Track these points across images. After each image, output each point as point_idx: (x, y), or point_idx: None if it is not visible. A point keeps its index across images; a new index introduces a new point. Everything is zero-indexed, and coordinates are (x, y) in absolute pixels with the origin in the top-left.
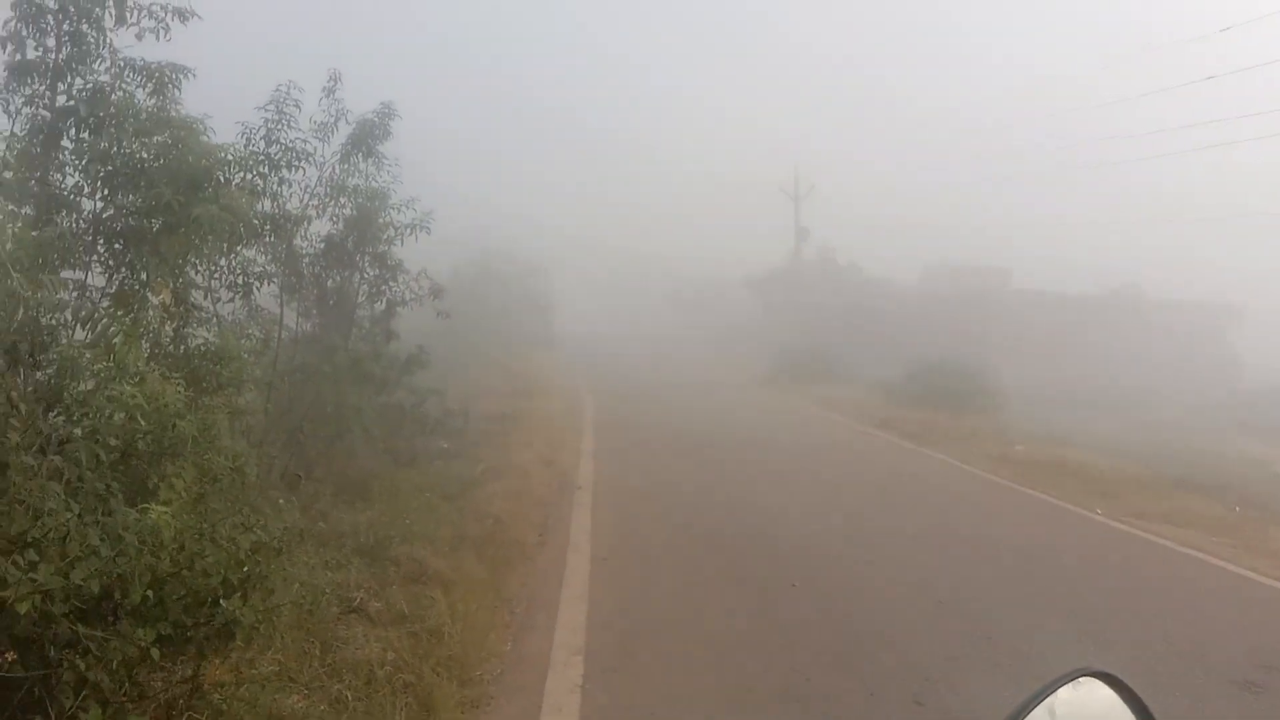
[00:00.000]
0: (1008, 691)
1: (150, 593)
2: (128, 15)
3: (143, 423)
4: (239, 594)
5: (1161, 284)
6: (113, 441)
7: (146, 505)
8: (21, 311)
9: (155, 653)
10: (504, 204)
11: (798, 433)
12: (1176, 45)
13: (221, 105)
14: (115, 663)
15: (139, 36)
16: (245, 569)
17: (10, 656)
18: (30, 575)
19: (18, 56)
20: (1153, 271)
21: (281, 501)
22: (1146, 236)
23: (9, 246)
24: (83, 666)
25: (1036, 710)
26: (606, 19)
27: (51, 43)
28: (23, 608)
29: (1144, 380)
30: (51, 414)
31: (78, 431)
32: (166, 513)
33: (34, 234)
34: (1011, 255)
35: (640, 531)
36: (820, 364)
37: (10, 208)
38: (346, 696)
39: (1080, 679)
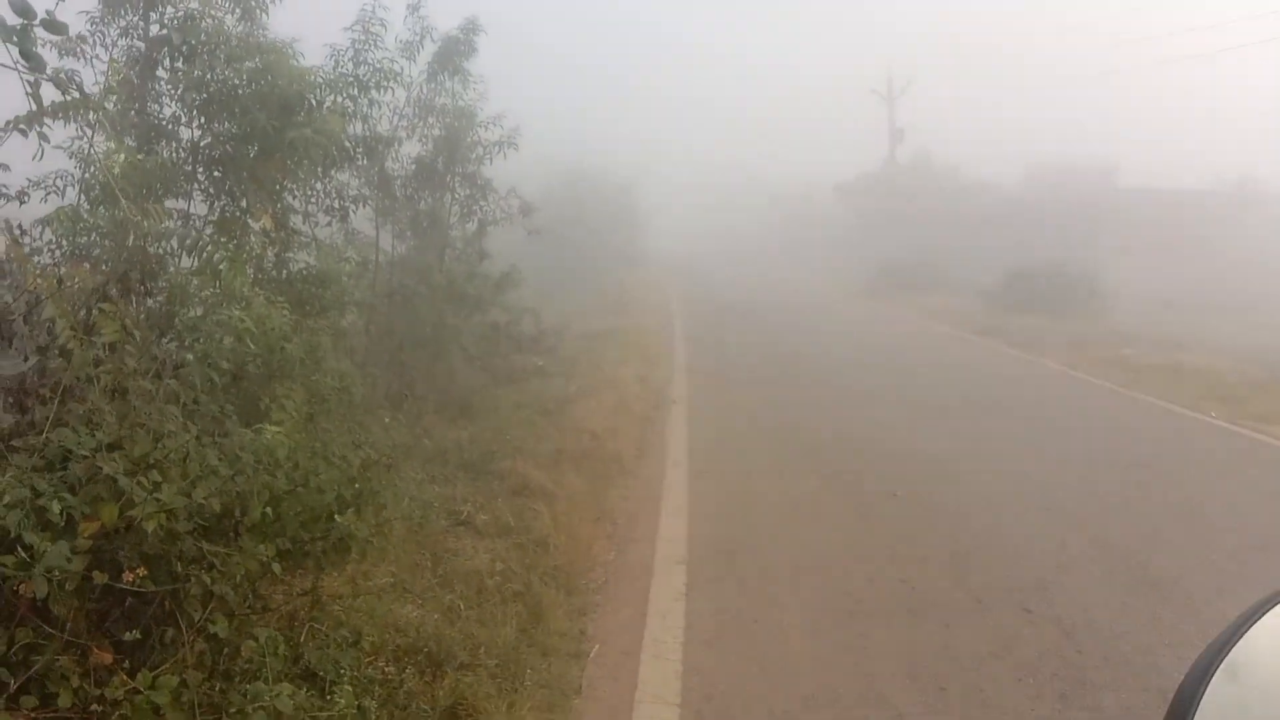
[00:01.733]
0: (1121, 599)
1: (268, 510)
2: None
3: (251, 346)
4: (352, 509)
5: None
6: (224, 364)
7: (260, 426)
8: (132, 238)
9: (276, 567)
10: (594, 115)
11: (898, 343)
12: None
13: (307, 27)
14: (238, 577)
15: None
16: (357, 485)
17: (141, 572)
18: (155, 495)
19: None
20: (1272, 164)
21: (387, 420)
22: (1264, 127)
23: (116, 173)
24: (208, 581)
25: (1250, 633)
26: None
27: None
28: (150, 525)
29: (1264, 280)
30: (164, 340)
31: (189, 356)
32: (280, 432)
33: (140, 155)
34: (1117, 150)
35: (738, 445)
36: (920, 273)
37: (117, 138)
38: (459, 606)
39: None
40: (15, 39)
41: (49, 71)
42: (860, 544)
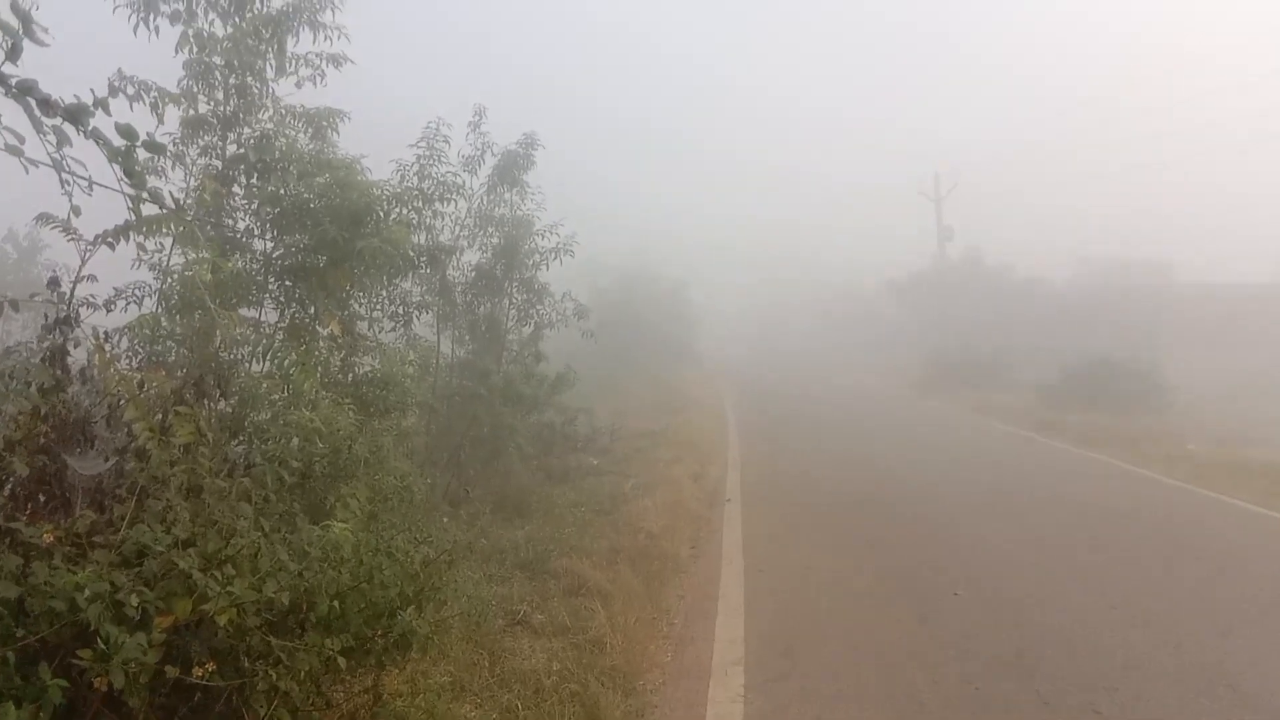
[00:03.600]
0: (1193, 702)
1: (334, 604)
2: (287, 65)
3: (320, 445)
4: (414, 605)
5: None
6: (293, 464)
7: (327, 523)
8: (218, 339)
9: (341, 662)
10: (648, 227)
11: (954, 440)
12: None
13: (373, 144)
14: (303, 673)
15: (298, 85)
16: (418, 582)
17: (210, 666)
18: (227, 589)
19: (190, 111)
20: None
21: (446, 519)
22: None
23: (208, 279)
24: (274, 676)
25: None
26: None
27: (220, 96)
28: (222, 619)
29: None
30: (235, 442)
31: (259, 457)
32: (346, 528)
33: (229, 264)
34: (1171, 241)
35: (794, 542)
36: (973, 369)
37: (192, 254)
38: (516, 706)
39: None
40: (120, 159)
41: (149, 189)
42: (922, 643)
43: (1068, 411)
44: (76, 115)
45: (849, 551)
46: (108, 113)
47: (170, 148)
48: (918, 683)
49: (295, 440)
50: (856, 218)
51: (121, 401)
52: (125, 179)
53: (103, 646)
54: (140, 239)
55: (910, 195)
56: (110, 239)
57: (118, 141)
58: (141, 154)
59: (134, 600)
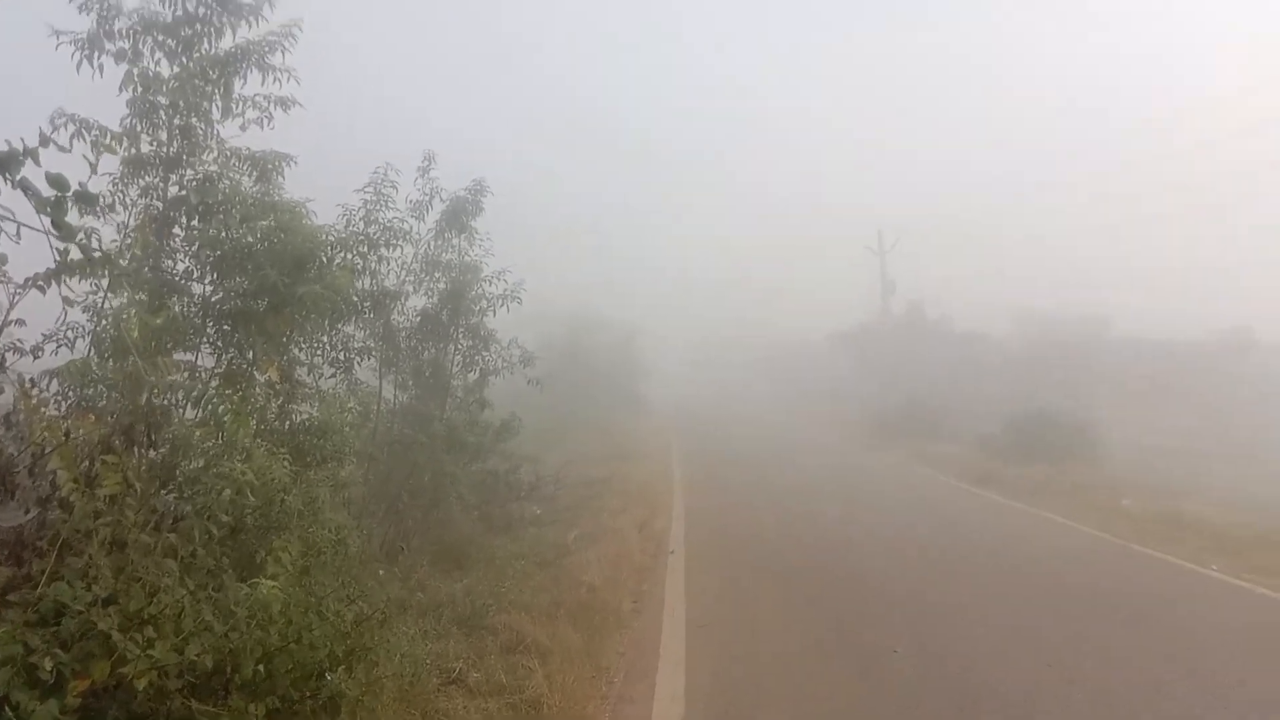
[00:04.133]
0: None
1: (260, 667)
2: (234, 107)
3: (251, 498)
4: (344, 666)
5: (1272, 327)
6: (223, 517)
7: (256, 580)
8: (146, 395)
9: None
10: (595, 275)
11: (897, 492)
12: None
13: (320, 187)
14: None
15: (243, 127)
16: (350, 642)
17: None
18: (148, 652)
19: (133, 151)
20: (1266, 315)
21: (382, 572)
22: (1257, 280)
23: (135, 335)
24: None
25: None
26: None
27: (164, 136)
28: (141, 683)
29: (1261, 429)
30: (165, 491)
31: (189, 509)
32: (275, 587)
33: (158, 320)
34: (1109, 300)
35: (737, 596)
36: (916, 420)
37: (133, 295)
38: None
39: None
40: (49, 210)
41: (78, 239)
42: (864, 700)
43: (1007, 463)
44: (5, 164)
45: (791, 606)
46: (37, 163)
47: (109, 187)
48: None
49: (226, 492)
50: (808, 271)
51: (46, 449)
52: (54, 232)
53: (11, 715)
54: (68, 291)
55: (858, 250)
56: (40, 283)
57: (48, 191)
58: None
59: (48, 664)
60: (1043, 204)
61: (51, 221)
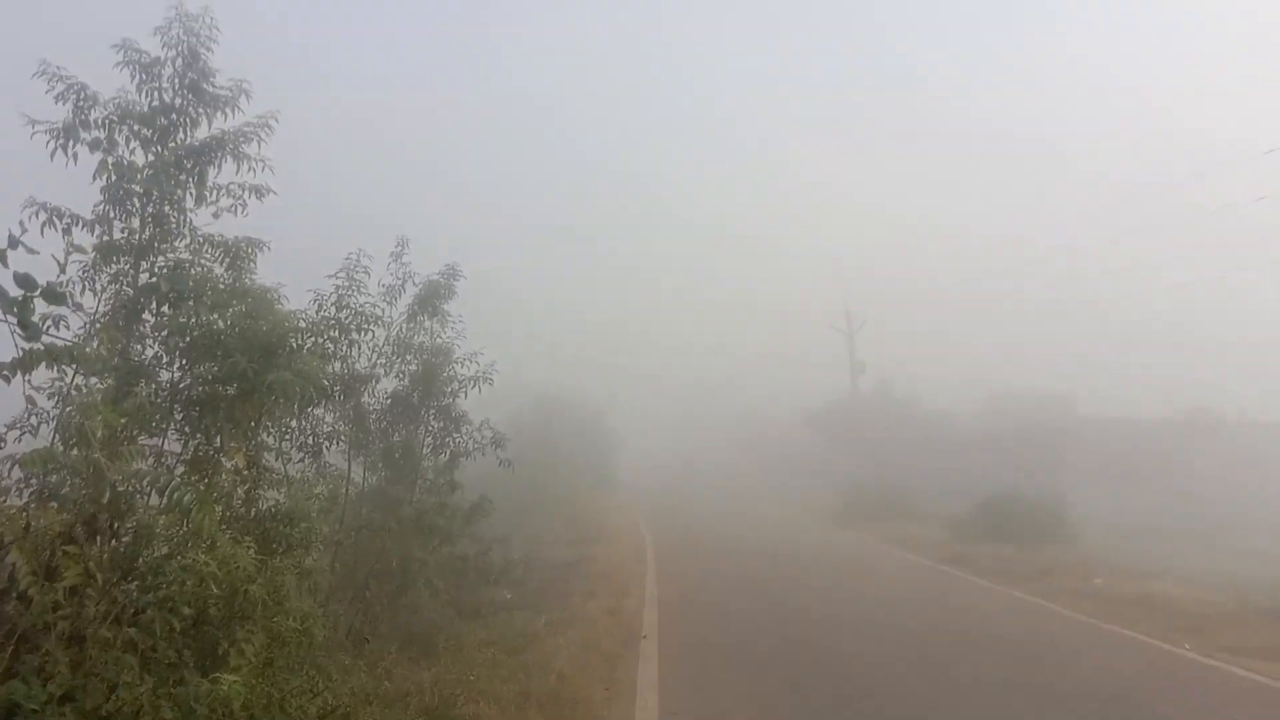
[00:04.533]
0: None
1: None
2: (208, 195)
3: (214, 589)
4: None
5: (1237, 406)
6: (185, 610)
7: (217, 676)
8: (108, 492)
9: None
10: (565, 348)
11: (868, 575)
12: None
13: (292, 269)
14: None
15: (216, 215)
16: None
17: None
18: None
19: (105, 238)
20: (1227, 394)
21: (347, 661)
22: (1218, 359)
23: (99, 433)
24: None
25: None
26: (651, 163)
27: (136, 224)
28: None
29: (1228, 507)
30: (127, 582)
31: (151, 599)
32: (237, 682)
33: (123, 420)
34: (1075, 381)
35: (710, 683)
36: (887, 499)
37: (95, 383)
38: None
39: None
40: (15, 310)
41: (43, 326)
42: None
43: (978, 543)
44: None
45: (762, 691)
46: (4, 264)
47: (79, 274)
48: None
49: (189, 583)
50: (777, 349)
51: (5, 541)
52: (19, 332)
53: None
54: (30, 387)
55: (828, 329)
56: (5, 373)
57: (14, 291)
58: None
59: None
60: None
61: (19, 322)
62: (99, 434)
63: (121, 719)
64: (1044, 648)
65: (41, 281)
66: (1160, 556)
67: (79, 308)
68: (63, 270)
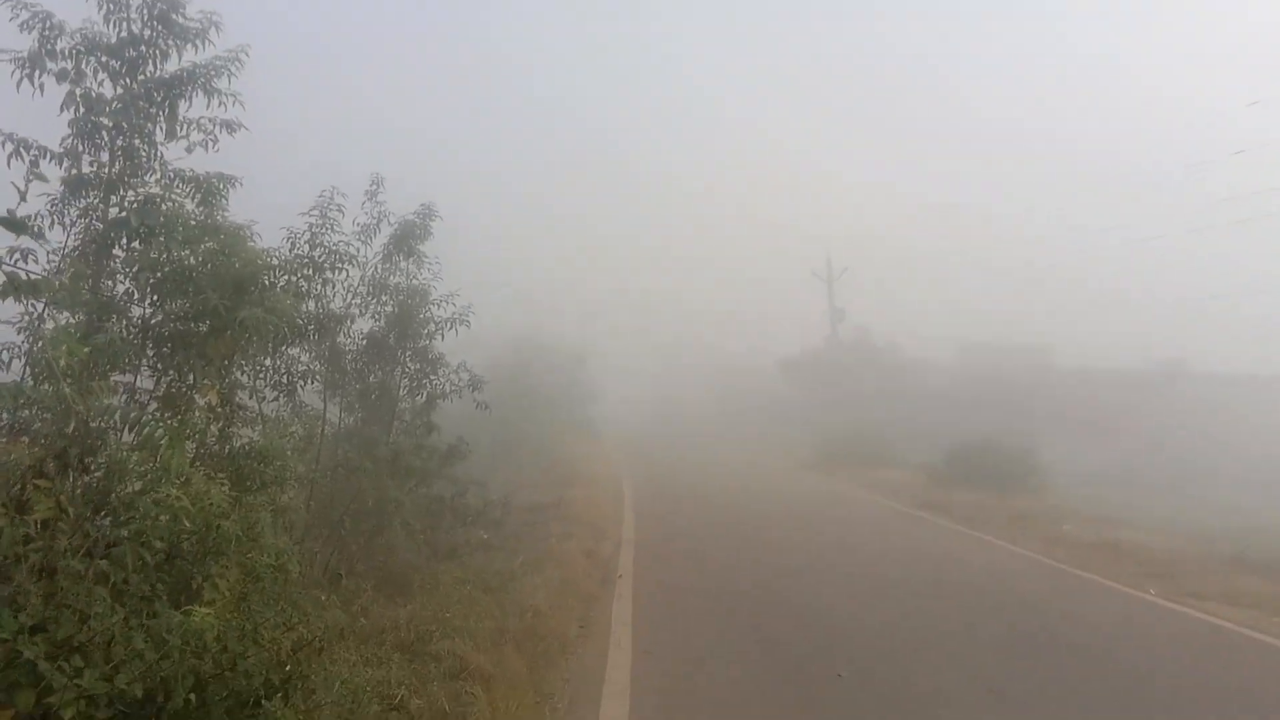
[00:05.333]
0: None
1: (193, 696)
2: (178, 129)
3: (187, 524)
4: (280, 694)
5: (1208, 357)
6: (158, 544)
7: (190, 608)
8: (73, 424)
9: None
10: (544, 298)
11: (843, 519)
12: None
13: (267, 210)
14: None
15: (189, 149)
16: (287, 669)
17: None
18: (75, 680)
19: (74, 171)
20: (1198, 345)
21: (323, 598)
22: (1188, 310)
23: (62, 362)
24: None
25: None
26: (630, 116)
27: (105, 157)
28: (68, 713)
29: (1197, 457)
30: (99, 517)
31: (124, 534)
32: (210, 614)
33: (86, 349)
34: (1052, 333)
35: (683, 623)
36: (862, 446)
37: (64, 317)
38: None
39: None
40: None
41: (11, 260)
42: None
43: (951, 490)
44: None
45: (736, 633)
46: None
47: (48, 208)
48: None
49: (163, 518)
50: (758, 298)
51: None
52: None
53: None
54: None
55: (807, 277)
56: None
57: None
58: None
59: None
60: (991, 234)
61: None
62: (62, 363)
63: (94, 649)
64: (1013, 593)
65: (1, 210)
66: (1130, 505)
67: (40, 235)
68: (23, 198)
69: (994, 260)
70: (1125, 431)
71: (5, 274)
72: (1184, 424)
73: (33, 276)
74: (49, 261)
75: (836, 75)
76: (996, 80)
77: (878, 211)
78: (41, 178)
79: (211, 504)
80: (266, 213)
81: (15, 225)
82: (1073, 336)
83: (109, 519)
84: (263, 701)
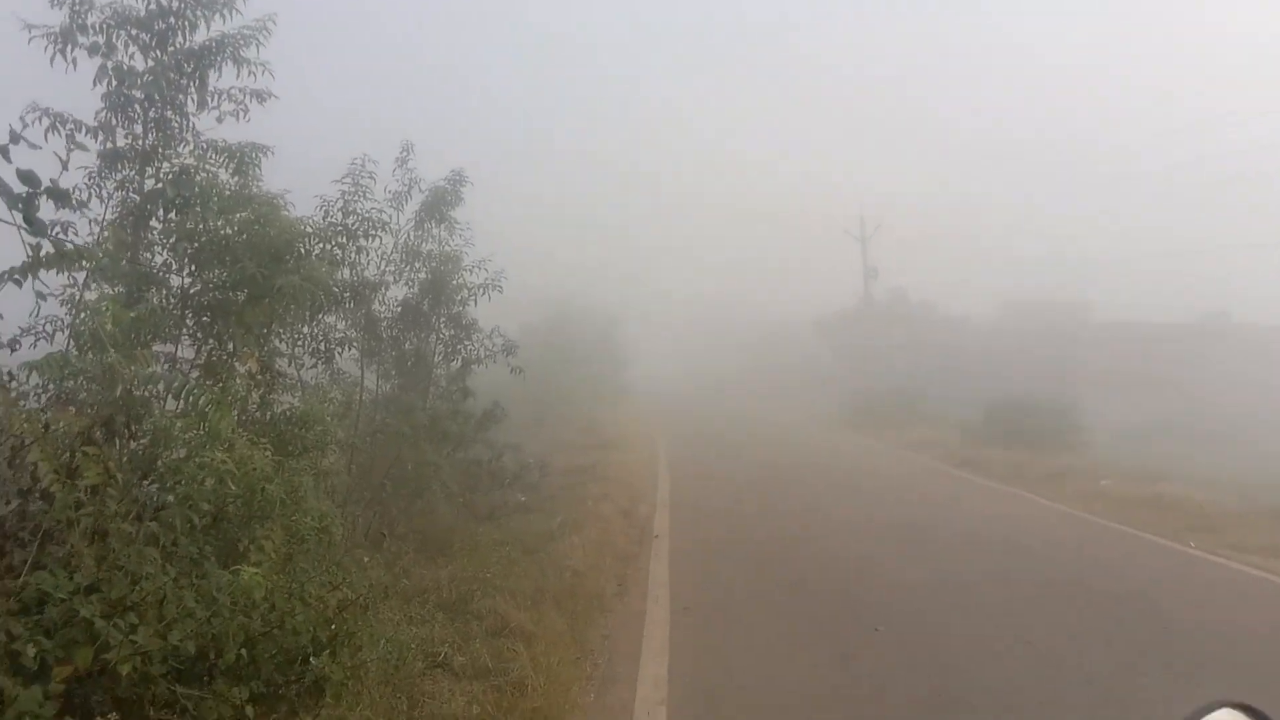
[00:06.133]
0: None
1: (244, 652)
2: (209, 100)
3: (233, 487)
4: (328, 651)
5: (1253, 309)
6: (205, 506)
7: (238, 567)
8: (120, 388)
9: (250, 710)
10: (579, 258)
11: (880, 478)
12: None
13: (298, 179)
14: None
15: (220, 119)
16: (333, 627)
17: (113, 717)
18: (131, 638)
19: (109, 145)
20: (1242, 297)
21: (366, 559)
22: (1233, 262)
23: (109, 327)
24: None
25: None
26: (662, 73)
27: (139, 129)
28: (124, 669)
29: (1239, 410)
30: (146, 482)
31: (171, 498)
32: (258, 573)
33: (131, 313)
34: (1090, 285)
35: (720, 579)
36: (898, 405)
37: (106, 289)
38: None
39: (1219, 711)
40: (20, 206)
41: (50, 233)
42: (843, 681)
43: (989, 448)
44: None
45: (774, 590)
46: (8, 159)
47: (85, 181)
48: None
49: (209, 481)
50: (791, 257)
51: (26, 442)
52: (25, 227)
53: None
54: (42, 286)
55: (841, 235)
56: (16, 276)
57: (19, 188)
58: None
59: (31, 650)
60: (1028, 190)
61: (23, 217)
62: (109, 328)
63: (146, 608)
64: (1050, 546)
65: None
66: (1171, 459)
67: (83, 205)
68: (65, 167)
69: (1033, 215)
70: (1167, 385)
71: (52, 242)
72: (1228, 376)
73: (75, 246)
74: (90, 233)
75: (875, 23)
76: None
77: (916, 165)
78: (82, 147)
79: (255, 468)
80: (299, 178)
81: (59, 195)
82: (1115, 289)
83: (156, 484)
84: (311, 659)
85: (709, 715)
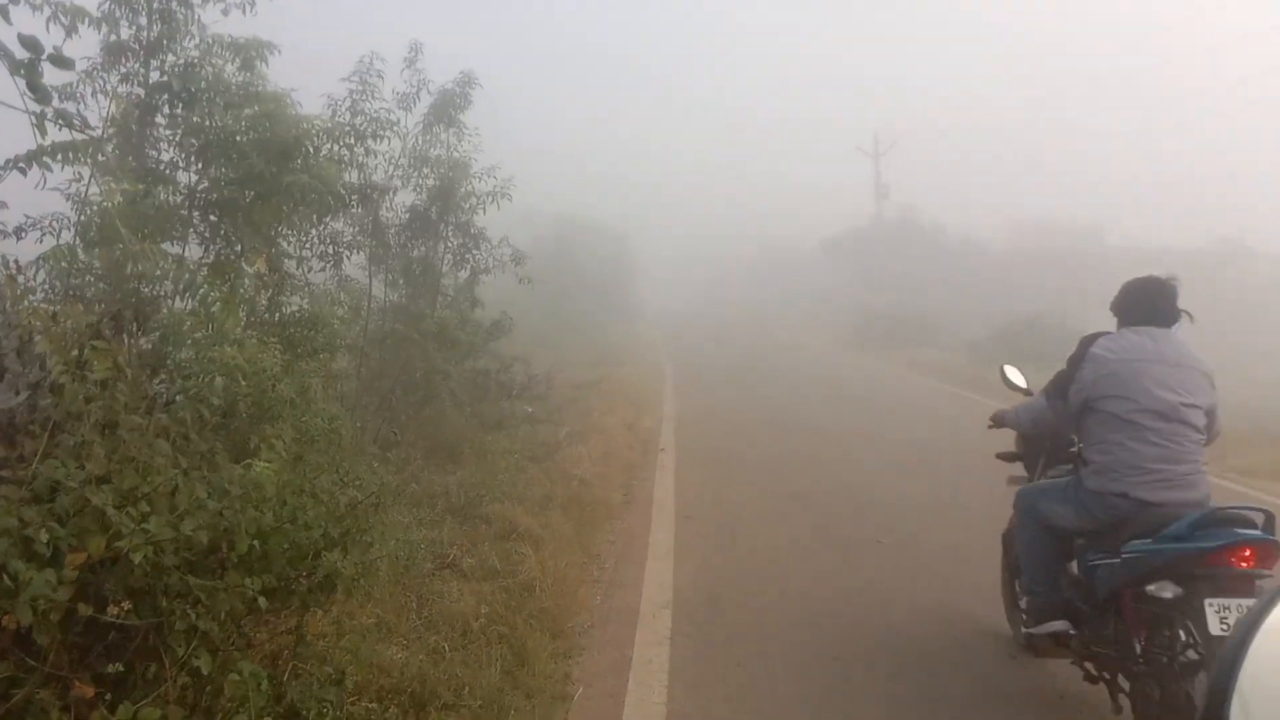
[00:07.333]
0: None
1: (255, 544)
2: None
3: (243, 384)
4: (339, 547)
5: (1266, 237)
6: (215, 402)
7: (249, 461)
8: (130, 268)
9: (262, 602)
10: (587, 165)
11: (885, 396)
12: None
13: (305, 78)
14: (224, 613)
15: (225, 12)
16: (344, 524)
17: (126, 605)
18: (143, 527)
19: (112, 36)
20: (1256, 224)
21: (375, 462)
22: (1246, 189)
23: (119, 200)
24: (193, 616)
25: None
26: None
27: (143, 21)
28: (137, 557)
29: (1252, 338)
30: (156, 378)
31: (180, 396)
32: (269, 468)
33: (140, 186)
34: (1103, 208)
35: (724, 490)
36: (907, 326)
37: (112, 183)
38: (443, 648)
39: None
40: (23, 71)
41: (54, 104)
42: (844, 591)
43: (995, 368)
44: None
45: (777, 501)
46: (8, 21)
47: (89, 72)
48: (839, 632)
49: (219, 378)
50: (802, 171)
51: (35, 335)
52: (29, 94)
53: (9, 583)
54: (43, 164)
55: (853, 150)
56: (21, 164)
57: (21, 54)
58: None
59: (44, 536)
60: (1040, 113)
61: (27, 84)
62: (118, 200)
63: (157, 498)
64: None
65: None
66: None
67: (85, 73)
68: (68, 34)
69: (1047, 137)
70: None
71: (57, 112)
72: (1240, 303)
73: (86, 130)
74: (95, 127)
75: None
76: None
77: (929, 86)
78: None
79: (265, 367)
80: (306, 75)
81: (62, 62)
82: (1130, 213)
83: (165, 382)
84: (322, 554)
85: (712, 618)
